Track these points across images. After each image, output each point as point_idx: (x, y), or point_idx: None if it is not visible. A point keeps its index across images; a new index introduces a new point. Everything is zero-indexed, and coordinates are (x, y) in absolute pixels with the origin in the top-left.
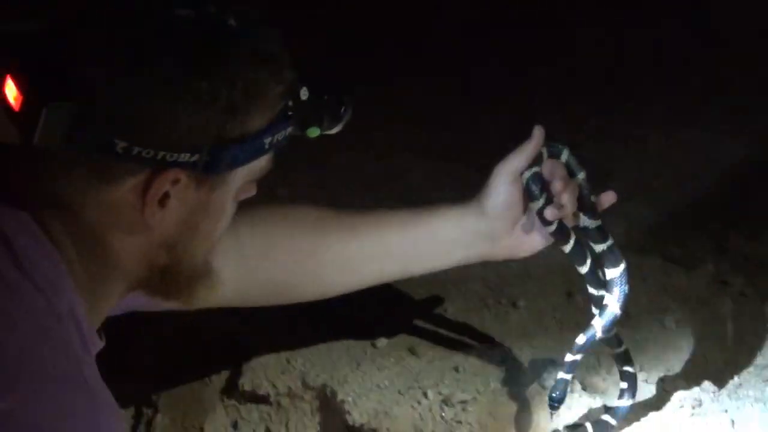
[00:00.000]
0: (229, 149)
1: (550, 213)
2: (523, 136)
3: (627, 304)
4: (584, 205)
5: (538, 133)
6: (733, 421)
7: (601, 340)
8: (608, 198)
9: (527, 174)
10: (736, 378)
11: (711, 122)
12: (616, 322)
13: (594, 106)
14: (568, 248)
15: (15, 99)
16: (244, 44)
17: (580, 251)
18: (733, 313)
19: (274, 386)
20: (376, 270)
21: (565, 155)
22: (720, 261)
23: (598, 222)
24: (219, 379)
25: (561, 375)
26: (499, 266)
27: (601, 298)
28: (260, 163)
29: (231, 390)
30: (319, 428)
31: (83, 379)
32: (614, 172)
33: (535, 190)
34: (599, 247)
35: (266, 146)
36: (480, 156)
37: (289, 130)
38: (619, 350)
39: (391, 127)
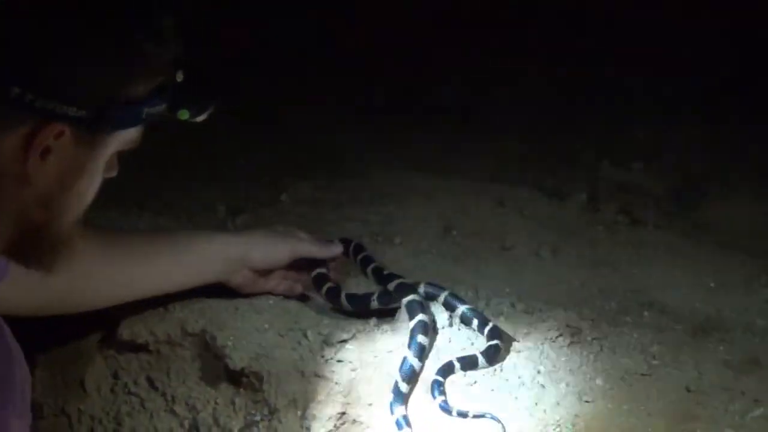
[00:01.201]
0: (114, 110)
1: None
2: None
3: (423, 354)
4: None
5: (336, 249)
6: (613, 348)
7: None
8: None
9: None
10: (613, 304)
11: (581, 54)
12: (417, 371)
13: (463, 39)
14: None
15: None
16: (142, 14)
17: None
18: (607, 240)
19: (152, 334)
20: (148, 285)
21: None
22: (592, 190)
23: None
24: (96, 330)
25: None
26: (378, 206)
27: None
28: (132, 134)
29: (109, 340)
30: (200, 374)
31: None
32: (486, 105)
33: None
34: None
35: (143, 116)
36: None
37: (164, 106)
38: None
39: None
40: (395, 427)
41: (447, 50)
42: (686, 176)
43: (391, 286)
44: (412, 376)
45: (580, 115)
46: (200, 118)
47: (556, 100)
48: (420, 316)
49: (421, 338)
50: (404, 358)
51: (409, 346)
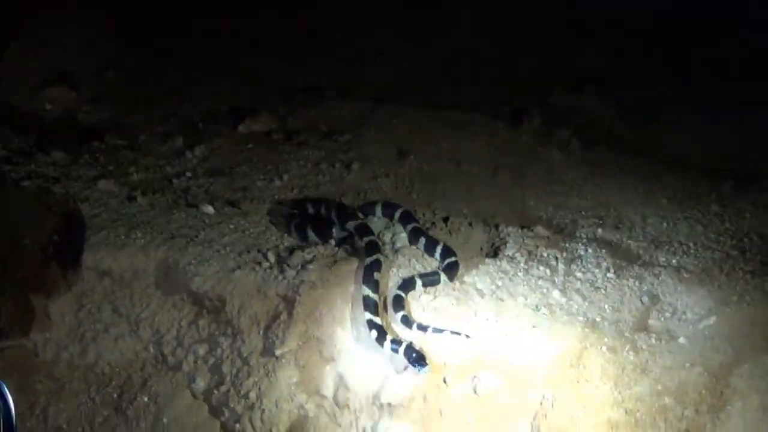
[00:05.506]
0: None
1: None
2: None
3: (378, 288)
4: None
5: None
6: (569, 262)
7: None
8: None
9: None
10: (568, 221)
11: None
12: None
13: None
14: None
15: None
16: None
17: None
18: (562, 162)
19: (116, 260)
20: None
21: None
22: (545, 114)
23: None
24: (60, 258)
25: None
26: (335, 134)
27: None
28: None
29: (73, 268)
30: (163, 298)
31: None
32: (435, 38)
33: None
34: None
35: None
36: None
37: None
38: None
39: None
40: (392, 354)
41: None
42: (637, 99)
43: (351, 225)
44: (377, 309)
45: (531, 39)
46: None
47: (507, 26)
48: (377, 255)
49: (376, 275)
50: (365, 296)
51: (366, 283)
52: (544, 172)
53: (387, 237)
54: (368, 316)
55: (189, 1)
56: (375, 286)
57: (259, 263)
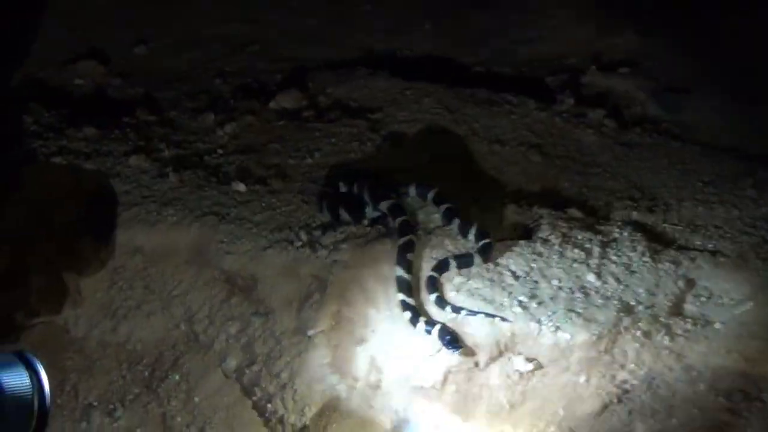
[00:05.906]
0: None
1: None
2: None
3: (412, 268)
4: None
5: None
6: (604, 245)
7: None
8: None
9: None
10: (602, 203)
11: None
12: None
13: None
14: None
15: None
16: None
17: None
18: (596, 143)
19: (148, 238)
20: None
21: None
22: (578, 95)
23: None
24: (92, 234)
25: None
26: (367, 113)
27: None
28: None
29: (106, 244)
30: (195, 276)
31: None
32: (464, 17)
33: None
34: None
35: None
36: None
37: None
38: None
39: None
40: (425, 335)
41: None
42: (671, 80)
43: (384, 206)
44: (411, 290)
45: (565, 20)
46: None
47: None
48: (410, 236)
49: (409, 256)
50: (398, 277)
51: (399, 263)
52: (577, 153)
53: (420, 217)
54: (401, 297)
55: None
56: (408, 266)
57: (291, 242)
